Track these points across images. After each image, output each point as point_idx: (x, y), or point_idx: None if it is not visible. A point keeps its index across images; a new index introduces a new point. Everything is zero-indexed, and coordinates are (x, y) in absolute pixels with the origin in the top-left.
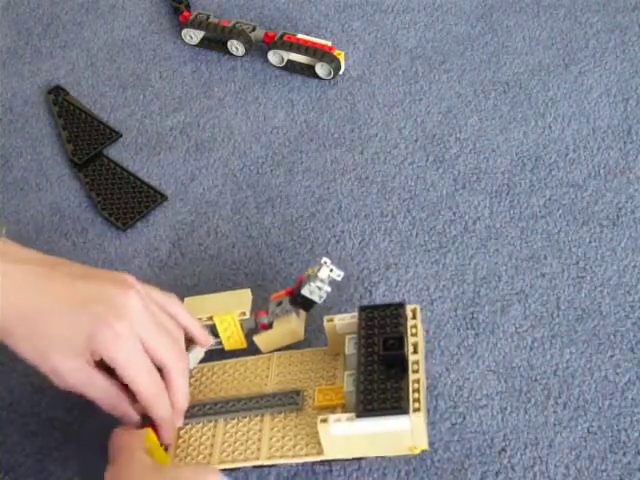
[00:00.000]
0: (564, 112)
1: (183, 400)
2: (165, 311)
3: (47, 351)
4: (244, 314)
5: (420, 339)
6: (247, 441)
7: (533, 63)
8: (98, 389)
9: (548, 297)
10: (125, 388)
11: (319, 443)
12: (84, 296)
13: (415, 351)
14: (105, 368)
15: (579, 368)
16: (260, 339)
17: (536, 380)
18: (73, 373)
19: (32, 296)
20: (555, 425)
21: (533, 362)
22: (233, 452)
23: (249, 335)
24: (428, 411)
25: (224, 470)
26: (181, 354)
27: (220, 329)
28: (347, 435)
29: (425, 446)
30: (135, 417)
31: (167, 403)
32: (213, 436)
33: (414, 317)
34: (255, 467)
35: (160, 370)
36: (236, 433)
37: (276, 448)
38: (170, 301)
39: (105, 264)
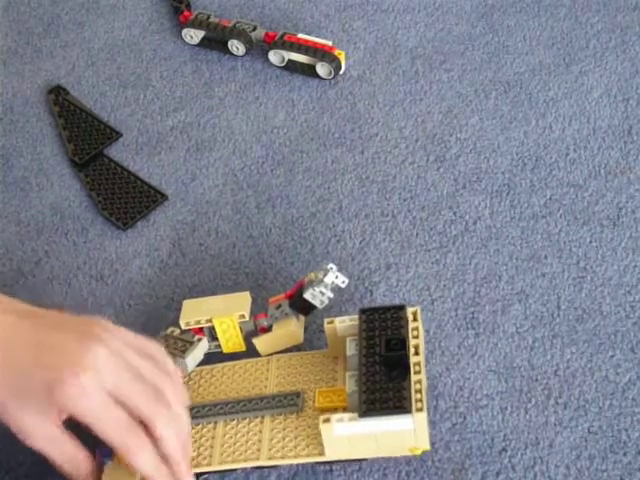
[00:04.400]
0: (565, 112)
1: (175, 449)
2: (146, 355)
3: (12, 408)
4: (243, 317)
5: (421, 341)
6: (247, 442)
7: (534, 63)
8: (61, 452)
9: (548, 297)
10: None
11: (320, 444)
12: (44, 350)
13: (416, 353)
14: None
15: (580, 368)
16: (259, 342)
17: (536, 380)
18: (36, 431)
19: None
20: (556, 425)
21: (534, 362)
22: (233, 452)
23: (248, 338)
24: (428, 411)
25: (224, 471)
26: (162, 401)
27: (219, 331)
28: (349, 435)
29: (427, 446)
30: None
31: (149, 456)
32: (213, 437)
33: (415, 319)
34: (255, 468)
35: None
36: (236, 434)
37: (277, 449)
38: (149, 345)
39: (105, 264)
